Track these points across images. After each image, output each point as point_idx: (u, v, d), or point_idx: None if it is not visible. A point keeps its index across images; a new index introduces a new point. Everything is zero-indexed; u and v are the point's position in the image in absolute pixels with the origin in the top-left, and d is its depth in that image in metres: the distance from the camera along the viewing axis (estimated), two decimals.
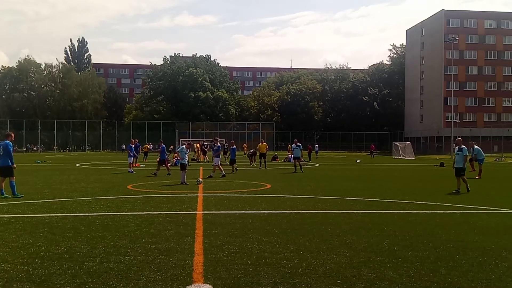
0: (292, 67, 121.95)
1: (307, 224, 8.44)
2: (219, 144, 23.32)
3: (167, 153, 25.43)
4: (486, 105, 77.09)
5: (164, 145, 23.90)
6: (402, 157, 47.61)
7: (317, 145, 43.82)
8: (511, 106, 77.30)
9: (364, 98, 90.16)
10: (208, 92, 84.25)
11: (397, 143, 52.73)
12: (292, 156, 26.34)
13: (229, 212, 9.90)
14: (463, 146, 14.62)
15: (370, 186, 16.53)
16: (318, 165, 33.33)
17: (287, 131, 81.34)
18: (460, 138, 15.36)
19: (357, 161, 40.69)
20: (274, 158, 39.47)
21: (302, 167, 24.75)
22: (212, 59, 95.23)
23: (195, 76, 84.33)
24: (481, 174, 20.75)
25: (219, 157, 21.65)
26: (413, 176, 23.10)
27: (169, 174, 20.99)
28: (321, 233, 7.59)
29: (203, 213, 9.67)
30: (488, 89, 77.00)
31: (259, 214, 9.67)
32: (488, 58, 76.81)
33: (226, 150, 42.15)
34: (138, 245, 6.62)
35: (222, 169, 20.69)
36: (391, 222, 8.79)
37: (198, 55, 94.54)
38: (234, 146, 25.48)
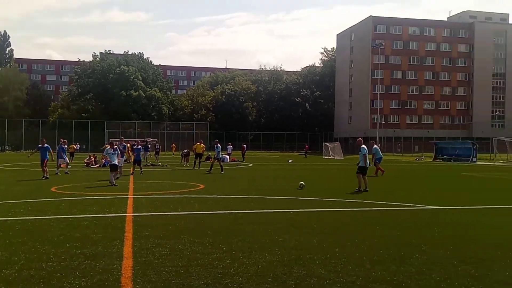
0: (227, 67, 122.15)
1: (240, 224, 8.47)
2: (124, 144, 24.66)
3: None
4: (408, 107, 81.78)
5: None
6: (332, 156, 49.27)
7: (244, 145, 43.83)
8: (430, 109, 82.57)
9: (296, 100, 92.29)
10: (140, 90, 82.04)
11: (327, 143, 54.48)
12: (220, 155, 25.46)
13: (160, 214, 9.70)
14: (363, 146, 15.21)
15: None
16: (251, 165, 33.62)
17: (221, 131, 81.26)
18: (360, 139, 15.90)
19: (289, 161, 41.52)
20: (208, 158, 39.24)
21: (222, 167, 24.13)
22: (144, 57, 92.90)
23: (127, 74, 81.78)
24: (378, 173, 21.80)
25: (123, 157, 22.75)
26: (341, 175, 23.99)
27: (45, 177, 18.78)
28: (253, 233, 7.65)
29: (133, 215, 9.40)
30: (410, 93, 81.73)
31: (192, 215, 9.57)
32: (411, 63, 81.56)
33: (157, 150, 41.43)
34: (62, 250, 6.29)
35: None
36: (321, 220, 9.07)
37: (130, 53, 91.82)
38: (140, 146, 25.35)
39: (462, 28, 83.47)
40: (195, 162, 27.47)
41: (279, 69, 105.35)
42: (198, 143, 28.35)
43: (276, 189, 15.09)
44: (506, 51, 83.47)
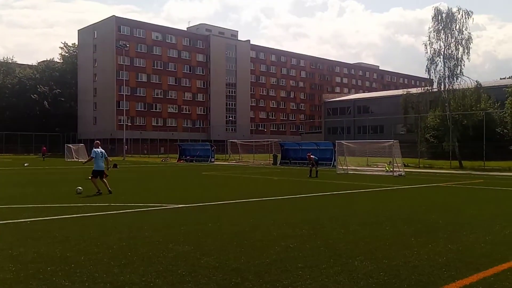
0: None
1: None
2: None
3: None
4: (154, 110, 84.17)
5: None
6: (75, 159, 46.44)
7: None
8: (174, 112, 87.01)
9: (33, 96, 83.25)
10: None
11: (70, 145, 51.11)
12: None
13: None
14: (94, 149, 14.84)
15: (40, 191, 15.37)
16: None
17: None
18: (98, 141, 15.79)
19: (25, 164, 37.21)
20: None
21: None
22: None
23: None
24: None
25: None
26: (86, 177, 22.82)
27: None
28: None
29: None
30: (155, 96, 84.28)
31: None
32: (155, 67, 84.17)
33: None
34: None
35: None
36: (64, 228, 8.41)
37: None
38: None
39: (200, 39, 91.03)
40: None
41: (10, 61, 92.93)
42: None
43: (8, 197, 13.26)
44: (237, 63, 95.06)
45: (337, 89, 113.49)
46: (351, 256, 6.30)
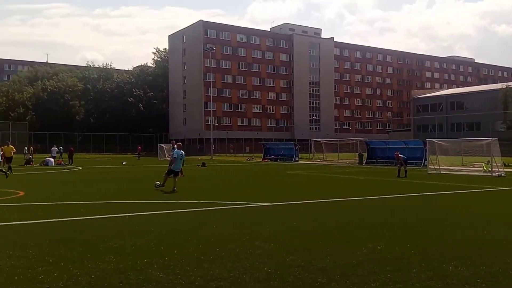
0: (48, 61, 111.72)
1: (69, 233, 7.80)
2: None
3: None
4: (239, 110, 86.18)
5: None
6: (167, 158, 48.94)
7: (72, 148, 39.51)
8: (258, 112, 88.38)
9: (129, 100, 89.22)
10: None
11: (162, 145, 53.95)
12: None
13: None
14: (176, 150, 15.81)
15: (136, 187, 16.43)
16: (80, 168, 31.34)
17: (43, 131, 73.83)
18: (180, 143, 16.55)
19: (123, 163, 39.98)
20: (28, 161, 35.30)
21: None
22: None
23: None
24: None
25: None
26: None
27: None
28: (85, 241, 7.13)
29: None
30: (240, 96, 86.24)
31: (11, 226, 8.46)
32: (240, 69, 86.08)
33: None
34: None
35: None
36: (158, 223, 8.91)
37: None
38: None
39: (283, 39, 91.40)
40: (9, 167, 23.51)
41: (109, 67, 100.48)
42: (6, 145, 24.92)
43: (108, 193, 14.35)
44: (320, 62, 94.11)
45: (427, 85, 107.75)
46: (444, 260, 5.97)
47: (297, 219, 9.29)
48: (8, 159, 24.22)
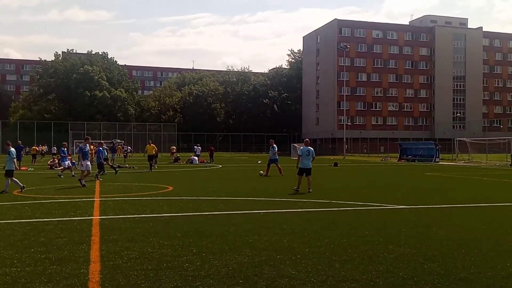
0: (194, 68, 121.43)
1: (210, 226, 8.42)
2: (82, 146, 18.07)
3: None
4: (373, 109, 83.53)
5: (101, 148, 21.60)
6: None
7: (212, 147, 42.45)
8: (394, 110, 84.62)
9: (264, 101, 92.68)
10: (105, 91, 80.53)
11: (295, 144, 54.88)
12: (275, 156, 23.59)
13: (128, 217, 9.52)
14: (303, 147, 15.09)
15: (270, 186, 17.00)
16: (220, 166, 33.51)
17: (189, 132, 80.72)
18: (307, 140, 16.03)
19: (258, 162, 41.59)
20: (177, 159, 38.92)
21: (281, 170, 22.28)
22: (109, 56, 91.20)
23: (91, 74, 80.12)
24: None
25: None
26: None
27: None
28: (223, 234, 7.62)
29: (100, 219, 9.19)
30: (375, 95, 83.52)
31: (160, 218, 9.43)
32: (375, 66, 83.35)
33: (126, 152, 41.05)
34: (26, 256, 6.09)
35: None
36: (290, 220, 9.12)
37: (93, 52, 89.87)
38: (101, 148, 21.38)
39: (423, 32, 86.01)
40: (150, 165, 26.15)
41: (246, 70, 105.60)
42: (148, 144, 27.24)
43: (245, 191, 15.08)
44: (466, 54, 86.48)
45: None
46: None
47: (435, 224, 8.71)
48: (149, 157, 26.58)
